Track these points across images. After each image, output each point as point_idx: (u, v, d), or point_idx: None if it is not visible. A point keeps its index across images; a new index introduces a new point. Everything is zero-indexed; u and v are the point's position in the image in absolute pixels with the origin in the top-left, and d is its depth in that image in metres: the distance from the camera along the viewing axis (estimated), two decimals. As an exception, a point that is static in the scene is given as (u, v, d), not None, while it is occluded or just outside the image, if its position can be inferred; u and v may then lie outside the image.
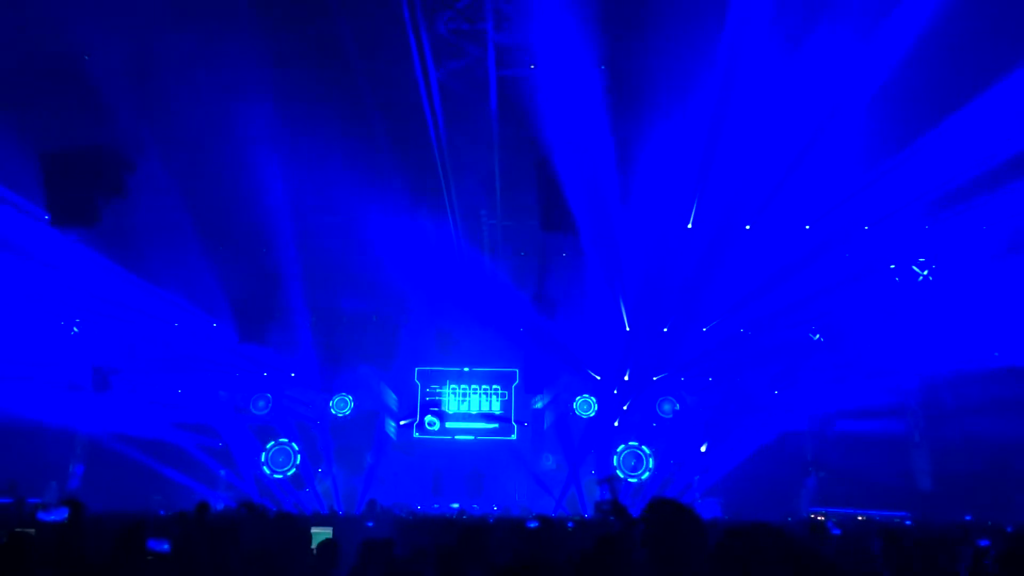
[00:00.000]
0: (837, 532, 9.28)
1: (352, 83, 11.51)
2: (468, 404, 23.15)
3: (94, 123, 10.68)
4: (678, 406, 21.58)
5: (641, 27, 10.33)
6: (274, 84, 11.69)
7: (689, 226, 15.73)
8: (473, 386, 23.20)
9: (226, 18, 9.99)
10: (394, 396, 22.67)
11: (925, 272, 16.84)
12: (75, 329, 19.65)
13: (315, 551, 5.86)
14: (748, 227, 15.62)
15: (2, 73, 10.86)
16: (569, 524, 10.51)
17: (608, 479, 5.16)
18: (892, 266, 16.70)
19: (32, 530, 5.02)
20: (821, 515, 16.01)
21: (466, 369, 23.07)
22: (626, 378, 21.65)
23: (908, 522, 13.75)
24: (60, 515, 3.57)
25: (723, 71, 11.26)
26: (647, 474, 20.72)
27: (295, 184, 14.89)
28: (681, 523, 2.77)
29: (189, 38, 10.19)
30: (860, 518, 14.93)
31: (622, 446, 21.15)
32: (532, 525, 9.59)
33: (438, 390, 23.18)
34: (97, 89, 10.47)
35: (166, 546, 4.16)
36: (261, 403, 22.08)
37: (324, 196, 15.38)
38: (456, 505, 19.30)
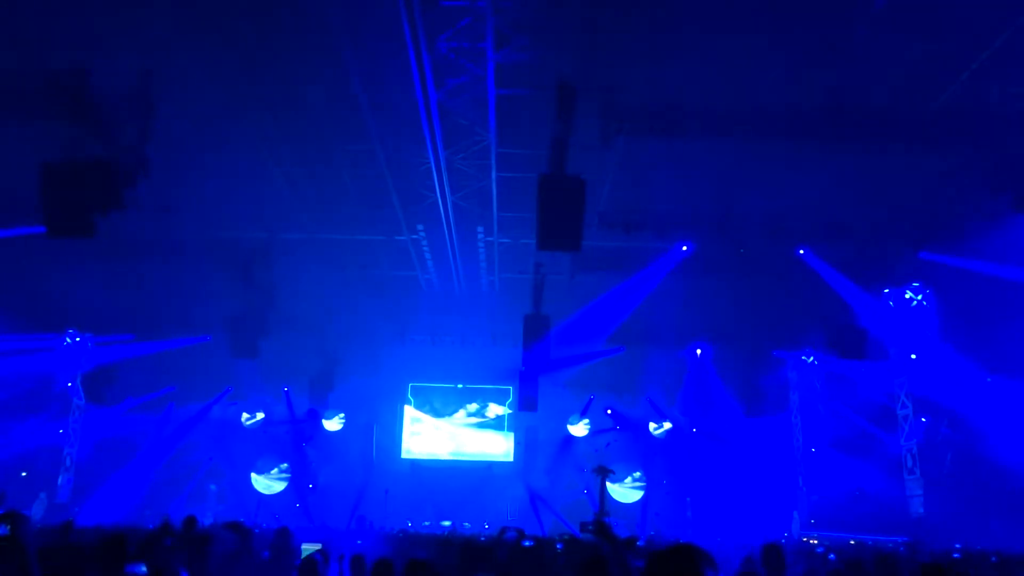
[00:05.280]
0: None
1: (349, 98, 11.55)
2: (461, 421, 23.03)
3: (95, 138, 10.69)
4: (670, 425, 21.57)
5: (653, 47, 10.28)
6: (271, 100, 11.74)
7: (684, 248, 15.90)
8: (467, 403, 23.09)
9: (224, 33, 10.04)
10: (386, 412, 22.58)
11: (919, 297, 16.92)
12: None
13: (300, 566, 5.84)
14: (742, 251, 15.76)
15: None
16: (558, 545, 10.42)
17: (599, 470, 5.08)
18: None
19: None
20: (814, 539, 15.94)
21: (460, 386, 22.96)
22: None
23: (902, 548, 13.61)
24: (2, 531, 3.39)
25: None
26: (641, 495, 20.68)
27: (293, 199, 14.95)
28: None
29: (190, 55, 10.26)
30: (852, 542, 14.84)
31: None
32: (527, 544, 9.53)
33: (432, 406, 23.07)
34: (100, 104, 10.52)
35: (143, 568, 4.07)
36: (253, 418, 21.98)
37: (323, 211, 15.39)
38: (447, 523, 19.16)
